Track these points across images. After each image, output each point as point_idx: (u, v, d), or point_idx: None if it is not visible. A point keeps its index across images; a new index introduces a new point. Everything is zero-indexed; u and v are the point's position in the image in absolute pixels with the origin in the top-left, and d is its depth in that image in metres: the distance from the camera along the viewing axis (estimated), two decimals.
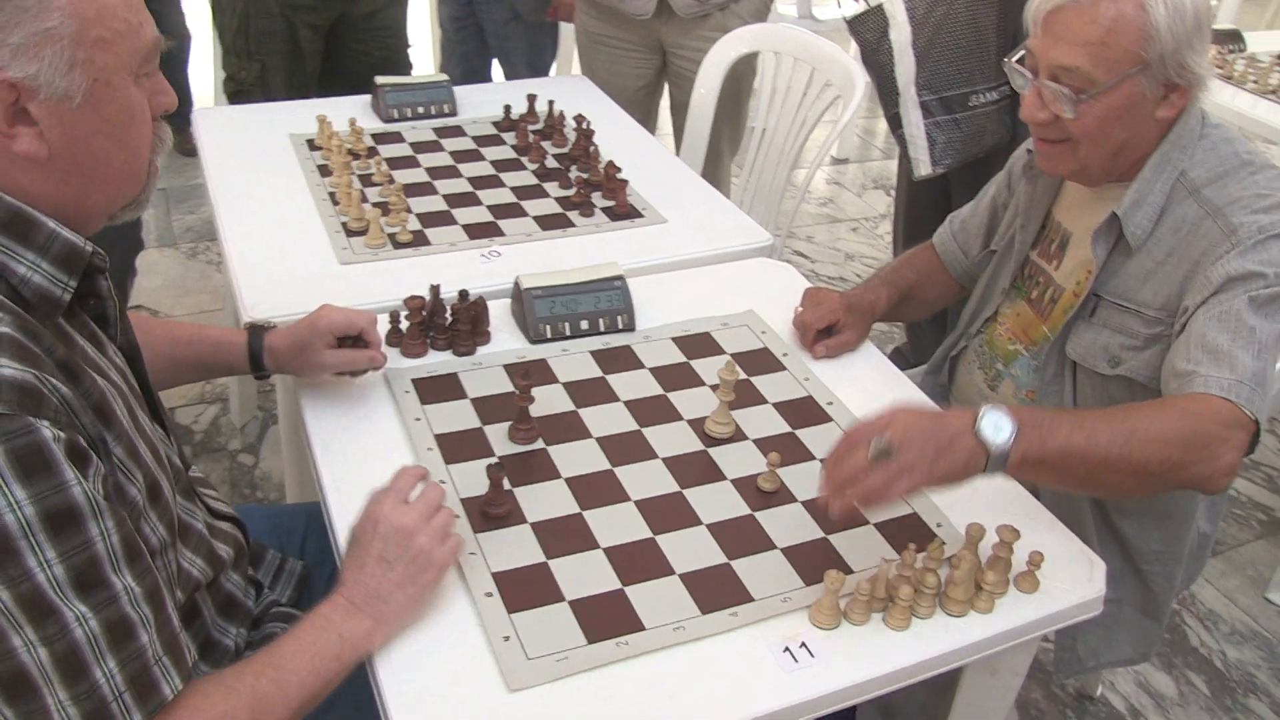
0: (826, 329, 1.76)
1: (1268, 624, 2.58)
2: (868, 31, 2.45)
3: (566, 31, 3.60)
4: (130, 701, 0.99)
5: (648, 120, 3.18)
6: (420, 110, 2.52)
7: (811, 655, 1.23)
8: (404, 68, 3.14)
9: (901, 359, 2.92)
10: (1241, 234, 1.47)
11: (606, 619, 1.25)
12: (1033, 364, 1.75)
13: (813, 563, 1.34)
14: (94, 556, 0.97)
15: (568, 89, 2.80)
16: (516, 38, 3.46)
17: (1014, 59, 1.57)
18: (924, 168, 2.51)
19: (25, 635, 0.93)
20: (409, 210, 2.09)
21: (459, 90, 2.61)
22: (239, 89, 2.92)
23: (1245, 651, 2.50)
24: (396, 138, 2.43)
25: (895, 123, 2.52)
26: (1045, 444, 1.26)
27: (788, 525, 1.41)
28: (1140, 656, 1.83)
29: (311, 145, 2.33)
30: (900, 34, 2.40)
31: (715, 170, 3.05)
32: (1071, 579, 1.35)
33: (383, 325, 1.70)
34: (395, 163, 2.29)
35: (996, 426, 1.24)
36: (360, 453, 1.49)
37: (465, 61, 3.61)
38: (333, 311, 1.55)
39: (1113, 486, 1.38)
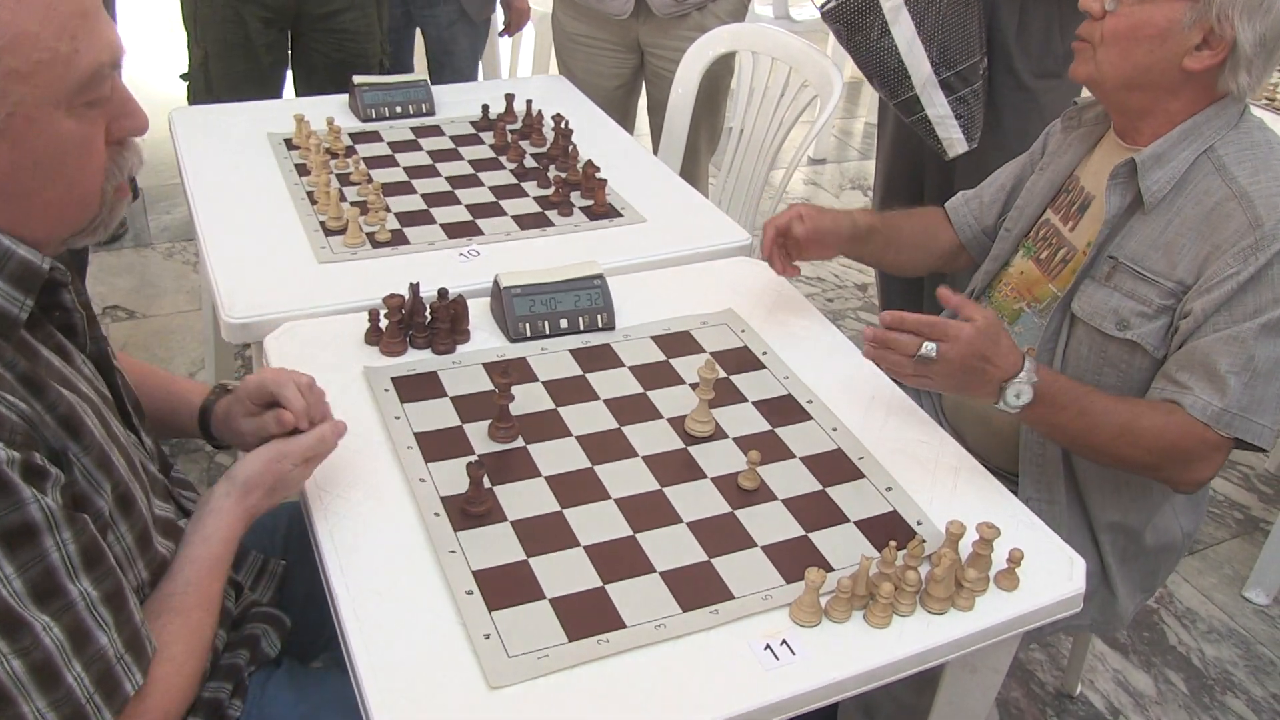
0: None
1: (1244, 622, 2.60)
2: (869, 32, 2.40)
3: (543, 33, 3.59)
4: (100, 702, 1.01)
5: (626, 120, 3.18)
6: (398, 110, 2.51)
7: (792, 653, 1.22)
8: (371, 72, 3.10)
9: None
10: (1266, 228, 1.49)
11: (587, 617, 1.24)
12: (1038, 321, 1.77)
13: (793, 560, 1.34)
14: (49, 567, 0.97)
15: (546, 88, 2.79)
16: (463, 38, 3.45)
17: None
18: (960, 146, 2.44)
19: None
20: (387, 209, 2.08)
21: (437, 90, 2.60)
22: (184, 75, 2.91)
23: (1223, 649, 2.51)
24: (374, 137, 2.41)
25: (910, 108, 2.44)
26: (1049, 419, 1.54)
27: (768, 523, 1.41)
28: (1096, 626, 1.85)
29: (289, 144, 2.32)
30: (904, 28, 2.36)
31: (693, 170, 3.05)
32: (1051, 576, 1.36)
33: (362, 324, 1.69)
34: (373, 162, 2.28)
35: (1018, 395, 1.49)
36: (340, 451, 1.47)
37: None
38: (261, 373, 1.38)
39: (1092, 458, 1.62)
